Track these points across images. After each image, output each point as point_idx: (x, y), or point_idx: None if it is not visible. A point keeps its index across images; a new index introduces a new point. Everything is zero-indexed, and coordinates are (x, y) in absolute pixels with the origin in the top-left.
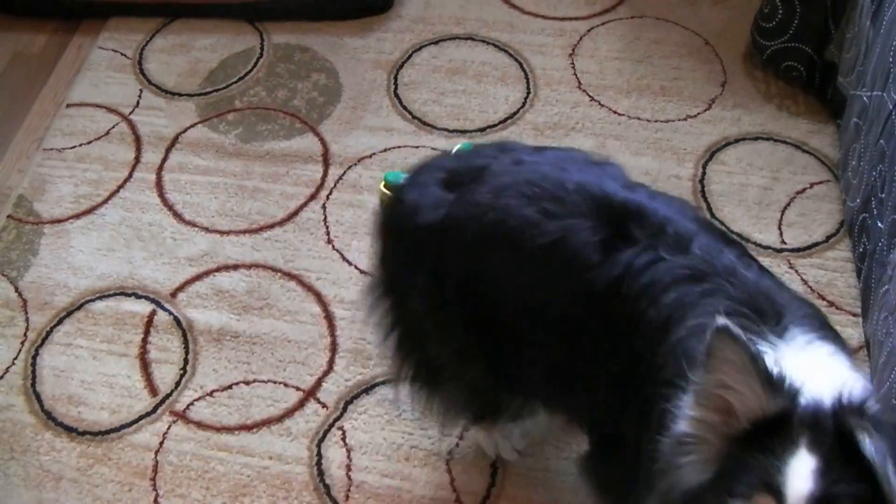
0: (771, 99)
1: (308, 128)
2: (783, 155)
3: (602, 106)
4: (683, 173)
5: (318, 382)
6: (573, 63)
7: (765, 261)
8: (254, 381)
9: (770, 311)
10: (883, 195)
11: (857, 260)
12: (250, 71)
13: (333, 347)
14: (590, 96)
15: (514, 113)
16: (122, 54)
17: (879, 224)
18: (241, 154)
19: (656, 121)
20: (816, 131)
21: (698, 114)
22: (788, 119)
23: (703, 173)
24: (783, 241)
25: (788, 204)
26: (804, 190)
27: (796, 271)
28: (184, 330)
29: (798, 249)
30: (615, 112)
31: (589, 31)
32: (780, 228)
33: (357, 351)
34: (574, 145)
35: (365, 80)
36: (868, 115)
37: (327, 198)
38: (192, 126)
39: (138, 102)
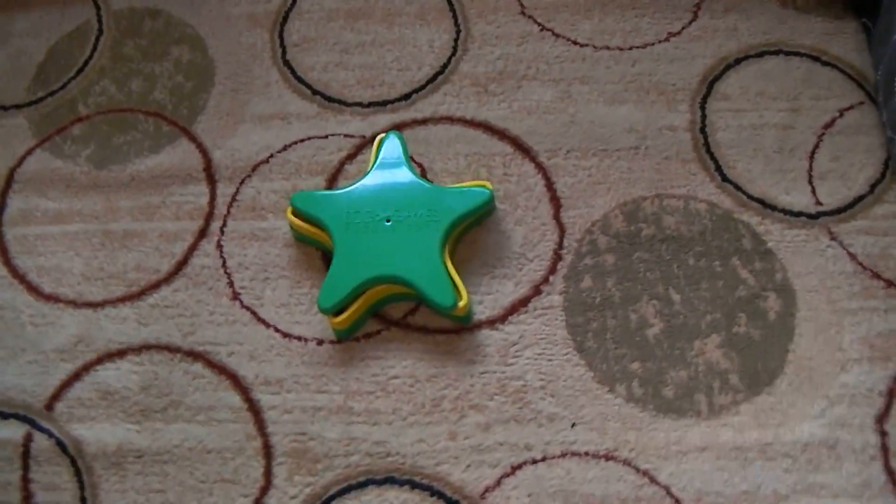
0: None
1: (179, 130)
2: (799, 73)
3: (557, 36)
4: (678, 121)
5: None
6: None
7: (799, 234)
8: None
9: None
10: None
11: None
12: (90, 58)
13: (267, 451)
14: (539, 24)
15: (445, 65)
16: None
17: None
18: (99, 185)
19: (631, 47)
20: (836, 32)
21: (682, 28)
22: (798, 19)
23: (704, 117)
24: (818, 202)
25: (817, 145)
26: (833, 121)
27: (841, 244)
28: (71, 456)
29: (839, 211)
30: (576, 42)
31: None
32: (811, 183)
33: (299, 452)
34: (531, 100)
35: (241, 46)
36: None
37: (222, 231)
38: (28, 153)
39: None
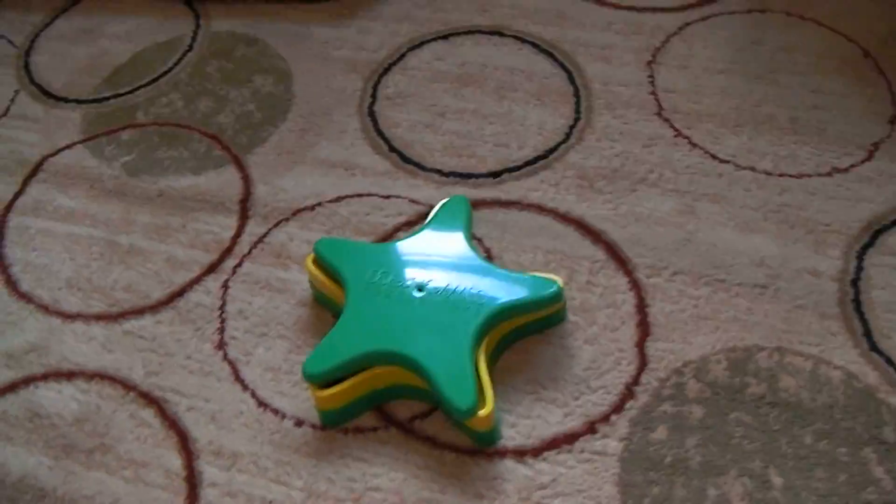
0: None
1: (230, 157)
2: None
3: (694, 146)
4: (825, 267)
5: None
6: (652, 76)
7: None
8: None
9: None
10: None
11: None
12: (170, 69)
13: None
14: (675, 129)
15: (551, 150)
16: (8, 41)
17: None
18: (123, 192)
19: (781, 174)
20: None
21: (852, 166)
22: None
23: (860, 269)
24: None
25: None
26: None
27: None
28: None
29: None
30: (715, 157)
31: (681, 28)
32: None
33: None
34: (644, 206)
35: (330, 88)
36: None
37: (234, 271)
38: (68, 147)
39: (8, 109)
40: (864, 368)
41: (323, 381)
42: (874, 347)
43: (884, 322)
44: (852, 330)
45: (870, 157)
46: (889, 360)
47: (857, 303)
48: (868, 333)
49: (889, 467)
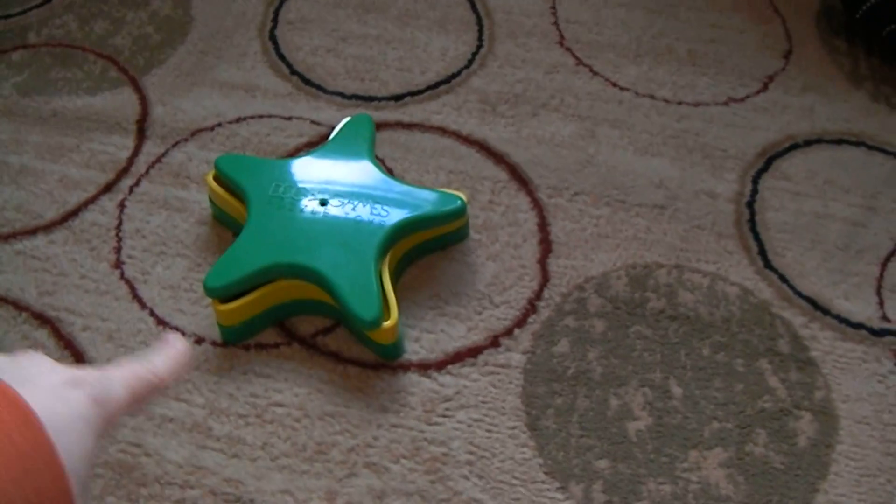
0: (861, 82)
1: (127, 79)
2: (882, 171)
3: (595, 74)
4: (721, 189)
5: None
6: (554, 7)
7: (855, 350)
8: None
9: None
10: None
11: None
12: None
13: None
14: (576, 58)
15: (453, 75)
16: None
17: None
18: (14, 113)
19: (680, 102)
20: None
21: (748, 96)
22: (889, 115)
23: (754, 191)
24: (885, 318)
25: (893, 253)
26: None
27: None
28: None
29: None
30: (615, 84)
31: None
32: (879, 294)
33: (125, 467)
34: (545, 130)
35: (229, 12)
36: None
37: (130, 191)
38: None
39: None
40: (759, 285)
41: (224, 294)
42: (768, 265)
43: (777, 241)
44: (748, 248)
45: (765, 88)
46: (782, 277)
47: (753, 223)
48: (763, 252)
49: (783, 377)
